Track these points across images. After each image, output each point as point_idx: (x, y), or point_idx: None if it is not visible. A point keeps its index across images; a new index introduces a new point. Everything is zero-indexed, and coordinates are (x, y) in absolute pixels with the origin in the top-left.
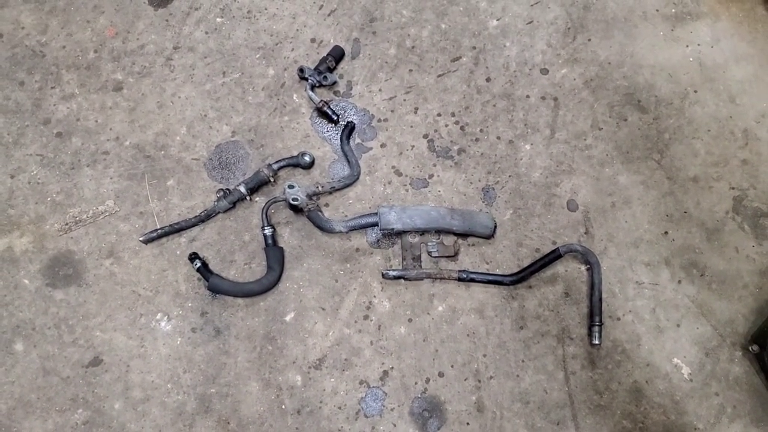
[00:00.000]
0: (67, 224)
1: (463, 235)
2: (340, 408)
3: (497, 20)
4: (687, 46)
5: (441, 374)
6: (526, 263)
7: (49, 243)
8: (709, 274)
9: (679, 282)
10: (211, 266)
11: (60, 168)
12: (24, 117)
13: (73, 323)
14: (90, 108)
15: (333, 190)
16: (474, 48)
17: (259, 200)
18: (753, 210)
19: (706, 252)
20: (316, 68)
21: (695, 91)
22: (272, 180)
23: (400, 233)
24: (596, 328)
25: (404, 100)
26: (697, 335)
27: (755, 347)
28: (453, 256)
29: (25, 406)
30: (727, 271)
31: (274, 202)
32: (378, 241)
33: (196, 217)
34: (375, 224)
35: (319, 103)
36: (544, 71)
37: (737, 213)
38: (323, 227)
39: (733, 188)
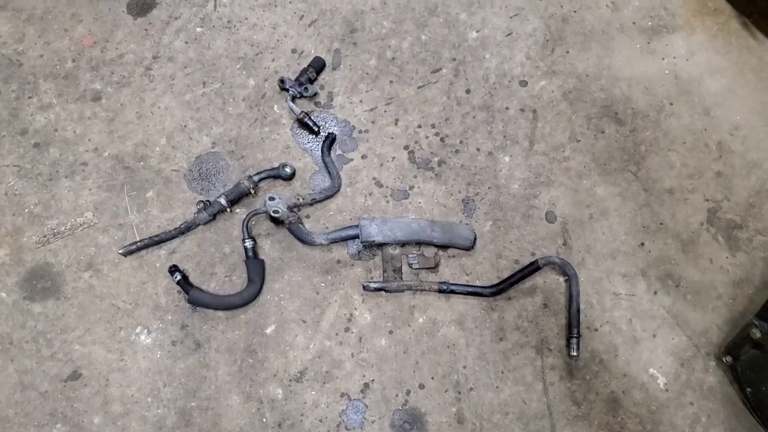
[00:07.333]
0: (45, 236)
1: (444, 247)
2: (321, 421)
3: (477, 32)
4: (663, 58)
5: (422, 386)
6: (505, 275)
7: (27, 255)
8: (685, 285)
9: (655, 293)
10: (191, 279)
11: (37, 179)
12: (0, 127)
13: (52, 337)
14: (68, 118)
15: (314, 202)
16: (454, 59)
17: (240, 212)
18: (727, 221)
19: (681, 263)
20: (296, 79)
21: (671, 104)
22: (253, 192)
23: (381, 245)
24: (574, 340)
25: (385, 111)
26: (673, 346)
27: (729, 358)
28: (433, 268)
29: (2, 421)
30: (702, 282)
31: (255, 214)
32: (359, 252)
33: (176, 229)
34: (356, 236)
35: (299, 114)
36: (523, 83)
37: (711, 224)
38: (304, 240)
39: (707, 200)
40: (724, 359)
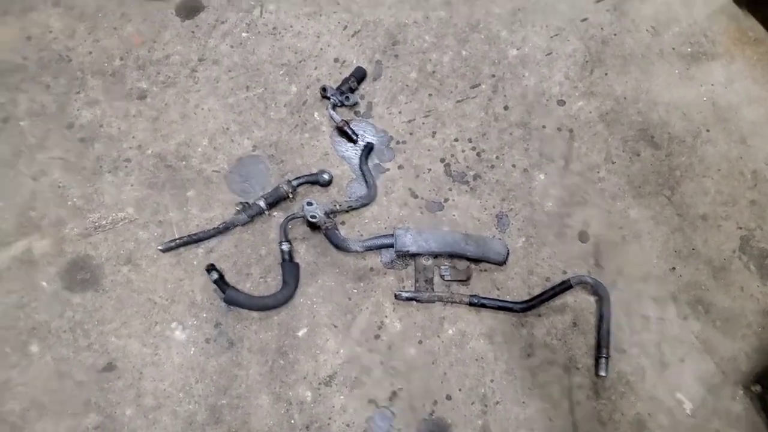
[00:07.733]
0: (86, 229)
1: (476, 261)
2: (348, 426)
3: (517, 50)
4: (701, 85)
5: (449, 397)
6: (536, 291)
7: (68, 247)
8: (714, 312)
9: (685, 318)
10: (227, 278)
11: (82, 173)
12: (48, 120)
13: (89, 328)
14: (114, 115)
15: (350, 209)
16: (493, 76)
17: (277, 215)
18: (759, 250)
19: (712, 289)
20: (338, 88)
21: (708, 131)
22: (291, 196)
23: (415, 255)
24: (603, 360)
25: (423, 123)
26: (701, 371)
27: (758, 387)
28: (465, 281)
29: (38, 407)
30: (732, 309)
31: (293, 218)
32: (392, 261)
33: (214, 228)
34: (390, 245)
35: (339, 122)
36: (561, 102)
37: (744, 252)
38: (339, 245)
39: (740, 228)
40: (752, 388)
